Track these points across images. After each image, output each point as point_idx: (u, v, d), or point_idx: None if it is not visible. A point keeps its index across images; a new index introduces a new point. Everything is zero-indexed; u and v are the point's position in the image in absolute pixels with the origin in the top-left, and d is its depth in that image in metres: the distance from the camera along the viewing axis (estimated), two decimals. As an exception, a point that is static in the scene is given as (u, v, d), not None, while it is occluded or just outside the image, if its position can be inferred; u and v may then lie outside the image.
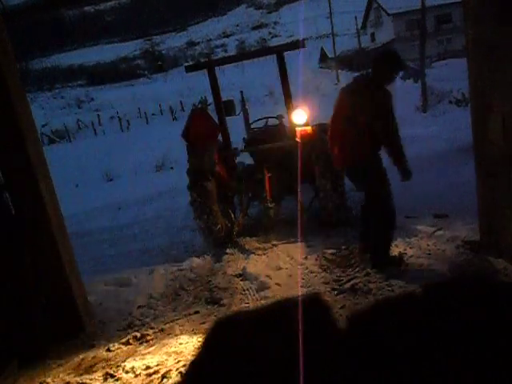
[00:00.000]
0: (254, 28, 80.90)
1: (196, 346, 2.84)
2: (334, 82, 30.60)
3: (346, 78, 31.92)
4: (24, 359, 3.19)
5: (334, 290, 3.50)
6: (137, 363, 2.88)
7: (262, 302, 3.49)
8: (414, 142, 8.47)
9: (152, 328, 3.42)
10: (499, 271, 3.26)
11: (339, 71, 33.16)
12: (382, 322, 0.60)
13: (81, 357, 3.15)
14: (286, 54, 5.30)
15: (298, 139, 4.89)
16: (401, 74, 20.82)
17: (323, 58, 44.49)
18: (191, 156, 4.82)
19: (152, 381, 2.69)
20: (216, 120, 5.27)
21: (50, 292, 3.41)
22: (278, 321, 0.62)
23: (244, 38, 73.34)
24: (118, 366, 2.91)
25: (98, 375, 2.85)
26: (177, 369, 2.73)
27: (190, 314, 3.56)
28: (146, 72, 64.55)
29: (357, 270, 3.79)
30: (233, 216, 5.28)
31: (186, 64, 6.31)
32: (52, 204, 3.44)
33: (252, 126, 6.43)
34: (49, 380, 2.91)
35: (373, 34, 44.64)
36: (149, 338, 3.27)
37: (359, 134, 3.49)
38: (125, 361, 2.96)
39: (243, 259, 4.51)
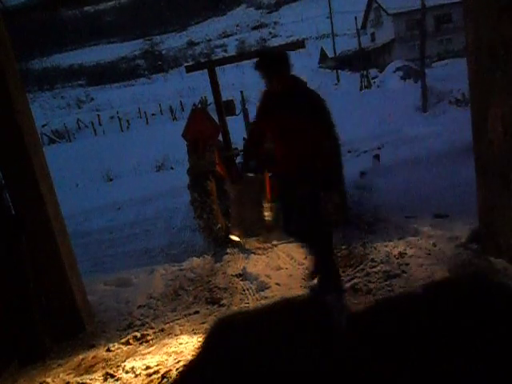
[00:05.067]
0: (254, 28, 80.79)
1: (196, 346, 2.84)
2: (333, 82, 30.60)
3: (346, 78, 31.98)
4: (24, 359, 3.19)
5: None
6: (137, 363, 2.88)
7: (262, 301, 3.49)
8: (414, 142, 8.49)
9: (152, 328, 3.42)
10: (499, 271, 3.26)
11: (339, 71, 33.12)
12: (382, 322, 0.60)
13: (81, 357, 3.15)
14: (286, 53, 5.29)
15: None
16: (401, 74, 20.74)
17: (323, 58, 44.47)
18: (191, 156, 4.82)
19: (152, 381, 2.69)
20: (216, 120, 5.27)
21: (50, 292, 3.41)
22: (277, 321, 0.62)
23: (244, 37, 73.25)
24: (117, 366, 2.91)
25: (98, 375, 2.85)
26: (177, 369, 2.73)
27: (189, 314, 3.56)
28: (146, 72, 64.50)
29: (357, 270, 3.79)
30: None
31: (186, 64, 6.32)
32: (52, 204, 3.44)
33: (252, 126, 6.42)
34: (49, 380, 2.91)
35: (373, 34, 44.61)
36: (149, 338, 3.27)
37: None
38: (125, 361, 2.96)
39: (243, 259, 4.51)
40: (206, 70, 5.48)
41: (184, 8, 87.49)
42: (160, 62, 66.85)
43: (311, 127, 3.08)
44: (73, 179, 11.59)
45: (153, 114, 31.40)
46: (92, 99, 49.89)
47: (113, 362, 3.00)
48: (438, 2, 33.48)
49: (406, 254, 3.88)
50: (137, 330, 3.40)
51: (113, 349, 3.17)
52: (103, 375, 2.84)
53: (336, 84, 30.05)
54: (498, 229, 3.37)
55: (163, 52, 72.76)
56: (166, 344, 3.11)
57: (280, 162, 3.31)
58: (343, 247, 4.32)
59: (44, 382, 2.91)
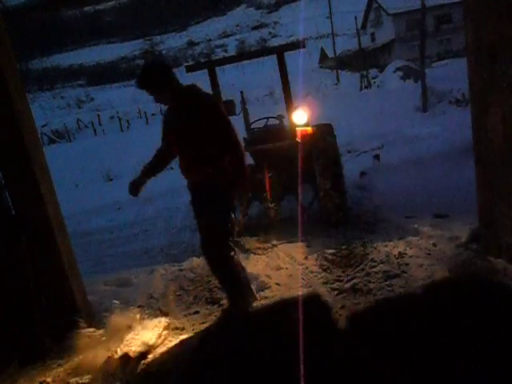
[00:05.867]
0: (254, 28, 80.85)
1: (196, 346, 2.84)
2: (334, 82, 30.59)
3: (346, 78, 31.97)
4: (24, 359, 3.19)
5: (333, 290, 3.50)
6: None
7: (262, 301, 3.49)
8: (414, 142, 8.49)
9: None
10: (499, 271, 3.26)
11: (339, 71, 33.12)
12: (382, 322, 0.60)
13: (81, 357, 3.15)
14: (286, 54, 5.30)
15: (298, 139, 4.90)
16: (401, 74, 20.69)
17: (323, 57, 44.47)
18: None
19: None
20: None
21: (50, 292, 3.41)
22: (278, 321, 0.62)
23: (244, 37, 73.30)
24: (118, 366, 2.90)
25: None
26: (177, 369, 2.73)
27: (190, 314, 3.56)
28: (146, 72, 64.35)
29: (357, 270, 3.79)
30: (233, 216, 5.28)
31: (186, 64, 6.31)
32: (52, 204, 3.44)
33: (252, 126, 6.43)
34: (49, 380, 2.91)
35: (373, 34, 44.65)
36: (149, 338, 3.26)
37: None
38: (125, 361, 2.96)
39: (243, 259, 4.50)
40: (205, 70, 5.47)
41: (184, 8, 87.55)
42: (160, 62, 66.77)
43: (203, 137, 3.09)
44: (73, 179, 11.57)
45: (153, 114, 31.34)
46: (92, 99, 49.92)
47: (113, 362, 2.99)
48: (438, 2, 33.52)
49: (406, 254, 3.88)
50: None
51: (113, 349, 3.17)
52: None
53: (336, 84, 30.02)
54: (497, 229, 3.37)
55: (163, 52, 72.83)
56: (166, 344, 3.10)
57: (183, 173, 3.34)
58: (343, 247, 4.33)
59: (44, 381, 2.91)
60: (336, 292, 3.46)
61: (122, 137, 21.03)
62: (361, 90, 23.35)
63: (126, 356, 2.92)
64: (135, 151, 14.10)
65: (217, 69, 5.56)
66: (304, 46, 5.41)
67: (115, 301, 3.97)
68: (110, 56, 73.01)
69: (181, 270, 4.43)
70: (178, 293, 4.01)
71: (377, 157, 7.68)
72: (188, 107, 3.10)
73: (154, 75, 3.06)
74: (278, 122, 6.12)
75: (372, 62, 36.16)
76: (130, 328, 3.49)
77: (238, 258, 3.42)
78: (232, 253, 3.28)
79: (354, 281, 3.58)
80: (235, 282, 3.31)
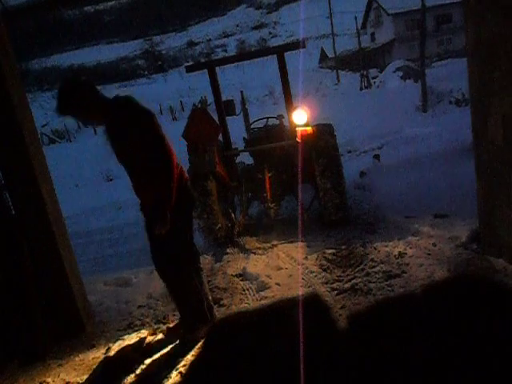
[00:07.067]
0: (254, 28, 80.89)
1: (196, 346, 2.84)
2: (334, 82, 30.60)
3: (346, 78, 31.96)
4: (24, 359, 3.19)
5: (333, 290, 3.50)
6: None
7: (262, 302, 3.48)
8: (413, 142, 8.49)
9: (152, 328, 3.42)
10: (499, 271, 3.26)
11: (339, 71, 33.12)
12: (382, 322, 0.60)
13: (81, 357, 3.15)
14: (286, 53, 5.30)
15: (298, 139, 4.90)
16: (401, 74, 20.68)
17: (323, 57, 44.48)
18: (192, 156, 4.82)
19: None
20: (216, 120, 5.27)
21: (50, 292, 3.41)
22: (277, 321, 0.62)
23: (244, 37, 73.30)
24: (118, 366, 2.90)
25: (98, 375, 2.85)
26: (177, 369, 2.73)
27: (190, 314, 3.56)
28: (146, 72, 64.56)
29: (357, 270, 3.79)
30: (233, 216, 5.28)
31: (186, 64, 6.31)
32: (52, 204, 3.44)
33: (252, 126, 6.43)
34: (49, 380, 2.91)
35: (373, 34, 44.66)
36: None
37: None
38: (125, 361, 2.96)
39: (243, 259, 4.51)
40: (205, 70, 5.48)
41: (184, 8, 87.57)
42: (160, 62, 66.94)
43: (130, 158, 2.81)
44: (73, 179, 11.58)
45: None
46: (92, 99, 49.78)
47: (113, 362, 2.99)
48: (437, 2, 33.57)
49: (405, 254, 3.88)
50: (137, 330, 3.40)
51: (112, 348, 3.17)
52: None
53: (336, 84, 30.03)
54: (497, 229, 3.37)
55: (163, 52, 72.84)
56: (166, 344, 3.10)
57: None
58: (343, 247, 4.32)
59: (44, 381, 2.91)
60: (336, 292, 3.45)
61: (122, 137, 20.99)
62: (361, 89, 23.35)
63: (125, 355, 2.92)
64: (135, 151, 14.14)
65: (217, 69, 5.56)
66: (304, 46, 5.41)
67: (115, 301, 3.98)
68: (110, 56, 73.00)
69: (181, 270, 4.42)
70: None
71: (377, 157, 7.69)
72: (112, 125, 2.77)
73: (68, 99, 2.66)
74: (277, 122, 6.13)
75: (372, 62, 36.17)
76: (129, 327, 3.51)
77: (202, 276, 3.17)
78: (192, 274, 2.98)
79: (354, 281, 3.57)
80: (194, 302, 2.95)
